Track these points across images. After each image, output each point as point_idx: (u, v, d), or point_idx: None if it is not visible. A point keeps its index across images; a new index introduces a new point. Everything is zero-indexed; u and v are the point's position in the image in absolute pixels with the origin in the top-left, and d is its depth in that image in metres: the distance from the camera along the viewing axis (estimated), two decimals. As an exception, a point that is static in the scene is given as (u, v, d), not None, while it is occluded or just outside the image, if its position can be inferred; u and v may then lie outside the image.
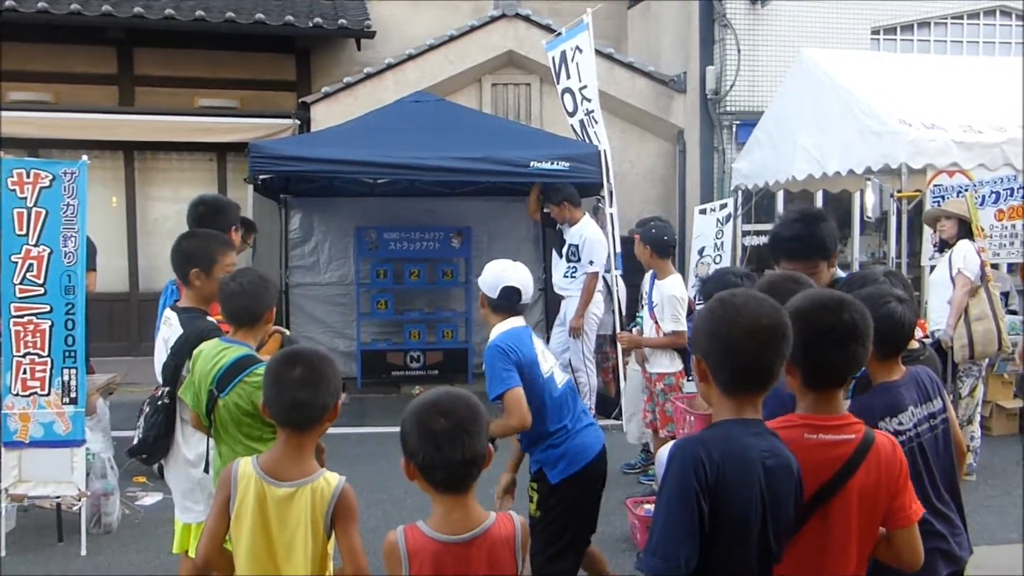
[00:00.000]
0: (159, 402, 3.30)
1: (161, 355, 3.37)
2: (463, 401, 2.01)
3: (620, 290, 7.52)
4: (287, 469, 2.30)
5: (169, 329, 3.36)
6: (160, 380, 3.35)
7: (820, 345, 2.02)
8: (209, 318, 3.36)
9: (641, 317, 5.77)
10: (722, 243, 8.66)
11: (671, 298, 5.32)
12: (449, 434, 1.93)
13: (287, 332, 3.31)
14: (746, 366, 1.87)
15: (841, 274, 3.35)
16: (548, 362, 3.49)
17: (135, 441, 3.36)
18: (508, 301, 3.44)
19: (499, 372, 3.29)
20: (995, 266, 7.48)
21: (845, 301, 2.08)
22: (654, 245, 5.39)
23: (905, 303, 2.55)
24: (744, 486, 1.82)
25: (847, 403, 2.67)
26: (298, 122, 9.68)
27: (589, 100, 7.90)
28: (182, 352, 3.23)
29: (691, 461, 1.80)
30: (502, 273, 3.47)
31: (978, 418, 6.28)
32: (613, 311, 7.45)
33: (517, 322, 3.47)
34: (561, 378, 3.50)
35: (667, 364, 5.38)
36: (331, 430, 2.47)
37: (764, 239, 9.69)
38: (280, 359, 2.33)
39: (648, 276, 5.58)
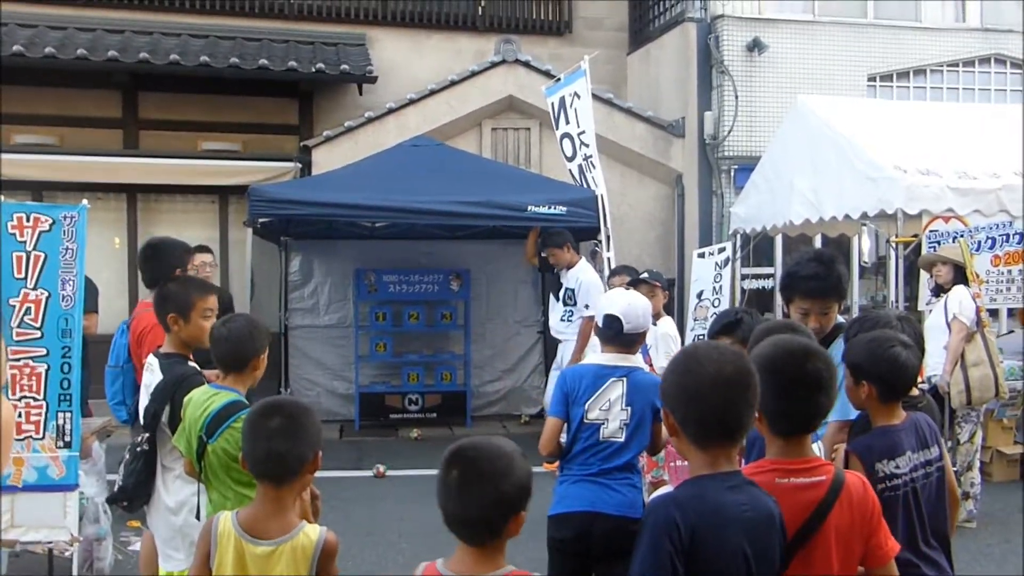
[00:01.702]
0: (138, 448, 3.30)
1: (144, 401, 3.39)
2: (492, 449, 1.87)
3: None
4: (266, 525, 2.27)
5: (151, 375, 3.38)
6: (141, 427, 3.36)
7: (785, 393, 2.05)
8: (190, 363, 3.38)
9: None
10: (721, 287, 8.69)
11: (665, 336, 5.39)
12: (463, 485, 1.81)
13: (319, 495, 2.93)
14: (714, 416, 1.89)
15: (840, 320, 3.38)
16: (606, 413, 3.33)
17: (115, 488, 3.37)
18: (608, 330, 3.42)
19: (554, 397, 3.43)
20: (993, 312, 7.49)
21: (810, 350, 2.11)
22: (665, 288, 5.62)
23: (910, 349, 2.59)
24: (723, 544, 1.83)
25: (842, 445, 2.70)
26: (299, 165, 9.79)
27: (587, 145, 8.00)
28: (161, 397, 3.24)
29: (664, 524, 1.82)
30: (607, 299, 3.51)
31: (977, 464, 6.25)
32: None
33: (603, 358, 3.43)
34: (607, 434, 3.33)
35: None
36: (327, 472, 2.47)
37: (764, 283, 9.73)
38: (258, 409, 2.33)
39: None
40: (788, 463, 2.08)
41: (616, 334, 3.38)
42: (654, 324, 5.52)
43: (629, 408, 3.32)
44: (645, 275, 5.88)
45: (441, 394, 9.41)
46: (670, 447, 4.61)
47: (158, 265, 3.88)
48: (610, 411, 3.33)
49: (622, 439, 3.33)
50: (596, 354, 3.48)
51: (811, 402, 2.06)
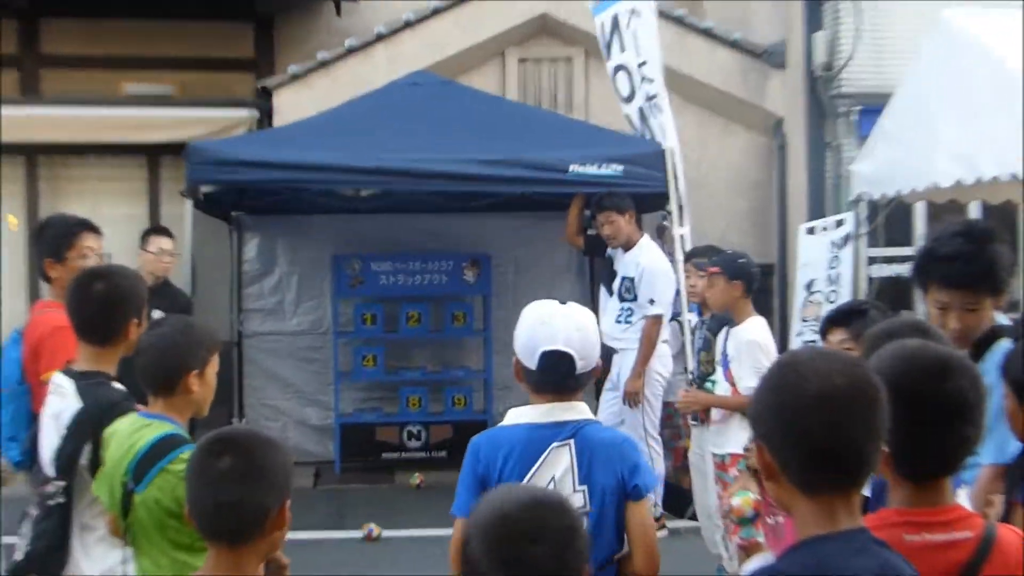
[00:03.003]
0: (49, 501, 3.31)
1: (51, 436, 3.39)
2: (556, 513, 1.89)
3: (696, 339, 7.50)
4: None
5: (62, 401, 3.39)
6: (51, 472, 3.36)
7: (915, 422, 2.04)
8: (116, 385, 3.40)
9: (714, 382, 5.77)
10: (838, 274, 8.61)
11: (751, 344, 5.35)
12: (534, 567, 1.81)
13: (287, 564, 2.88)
14: (823, 448, 1.86)
15: (1004, 320, 3.34)
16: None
17: (19, 555, 3.39)
18: (552, 375, 3.12)
19: (460, 485, 3.13)
20: None
21: (951, 362, 2.10)
22: (748, 280, 5.49)
23: None
24: None
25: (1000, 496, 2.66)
26: (256, 114, 9.84)
27: (651, 81, 7.96)
28: (80, 432, 3.26)
29: None
30: (542, 327, 3.16)
31: None
32: (686, 369, 7.44)
33: (536, 414, 3.14)
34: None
35: (743, 439, 5.35)
36: (299, 534, 2.48)
37: (899, 268, 9.63)
38: (204, 446, 2.35)
39: (725, 327, 5.63)
40: (920, 514, 2.07)
41: (563, 378, 3.10)
42: (733, 326, 5.48)
43: (585, 488, 3.04)
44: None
45: (452, 424, 9.43)
46: (766, 496, 4.58)
47: (37, 250, 3.97)
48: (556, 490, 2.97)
49: None
50: (525, 408, 3.17)
51: (951, 434, 2.05)
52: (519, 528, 1.82)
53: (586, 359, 3.10)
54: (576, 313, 3.19)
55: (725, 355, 5.57)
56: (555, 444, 3.05)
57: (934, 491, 2.09)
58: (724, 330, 5.66)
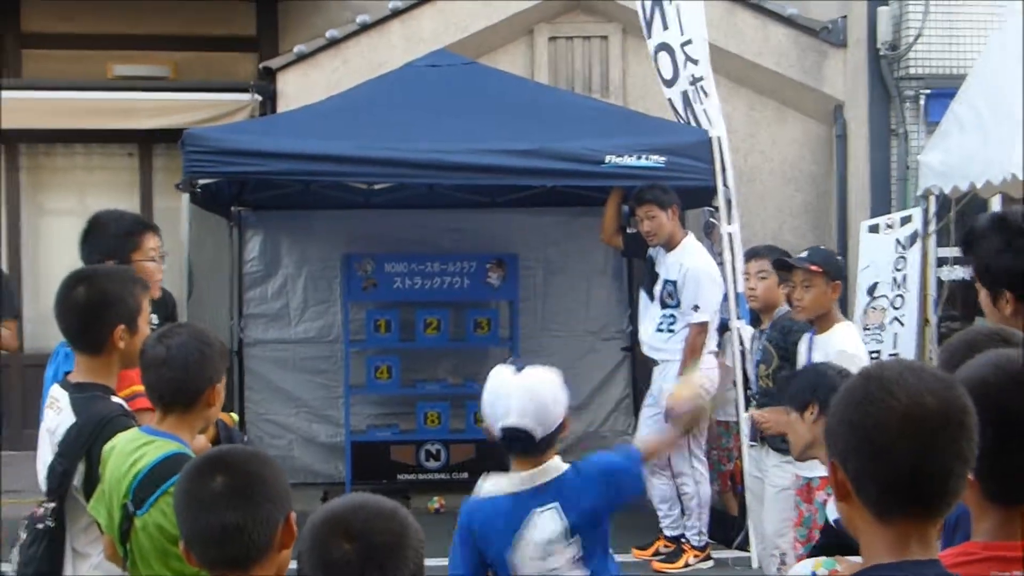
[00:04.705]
0: (39, 525, 3.34)
1: (45, 453, 3.44)
2: (384, 518, 2.07)
3: (746, 350, 7.50)
4: None
5: (57, 415, 3.43)
6: (43, 492, 3.41)
7: (1005, 442, 2.02)
8: (115, 399, 3.44)
9: None
10: (904, 276, 8.59)
11: (841, 356, 5.31)
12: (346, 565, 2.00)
13: (234, 418, 3.33)
14: (904, 473, 1.86)
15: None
16: (556, 559, 3.46)
17: (5, 584, 3.43)
18: (516, 447, 3.51)
19: (452, 555, 3.63)
20: None
21: None
22: (842, 281, 5.50)
23: None
24: None
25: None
26: (259, 98, 9.90)
27: (696, 62, 7.96)
28: (73, 449, 3.29)
29: None
30: (498, 401, 3.51)
31: None
32: (735, 383, 7.44)
33: (512, 483, 3.54)
34: None
35: None
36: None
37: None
38: (192, 470, 2.38)
39: (806, 336, 5.61)
40: (1010, 548, 2.05)
41: (524, 449, 3.48)
42: (818, 334, 5.47)
43: (577, 537, 3.46)
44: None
45: (475, 443, 9.42)
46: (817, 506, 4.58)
47: (88, 249, 3.98)
48: (552, 556, 3.44)
49: None
50: (501, 479, 3.55)
51: None
52: (340, 526, 2.03)
53: (544, 425, 3.43)
54: (530, 380, 3.50)
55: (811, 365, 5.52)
56: (536, 512, 3.44)
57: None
58: (806, 338, 5.59)
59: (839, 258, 5.54)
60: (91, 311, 3.48)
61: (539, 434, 3.41)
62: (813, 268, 5.44)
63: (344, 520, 2.04)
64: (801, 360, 5.62)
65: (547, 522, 3.43)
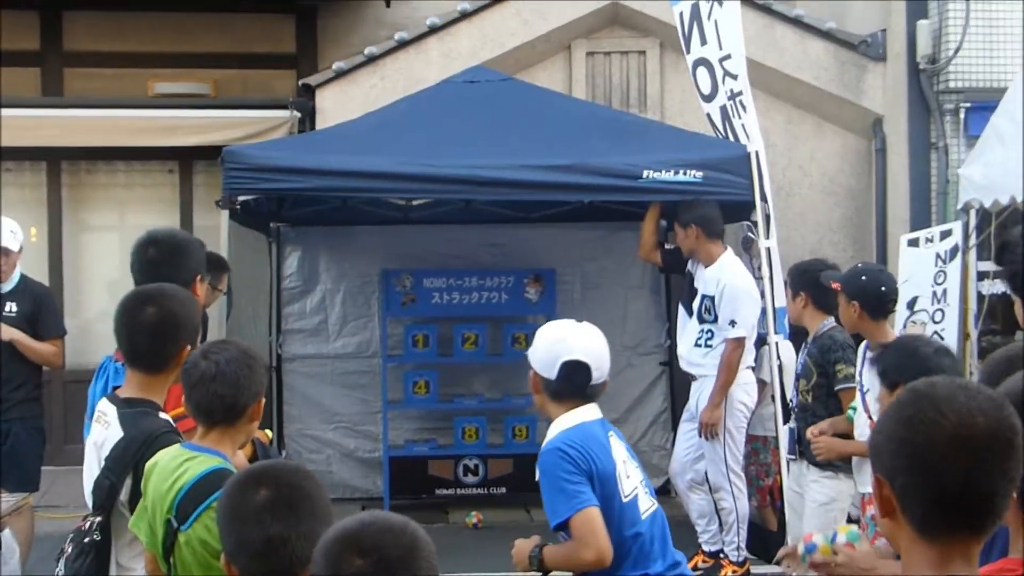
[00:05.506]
0: (87, 539, 3.36)
1: (92, 467, 3.49)
2: (395, 533, 2.09)
3: (784, 364, 7.49)
4: None
5: (105, 430, 3.48)
6: (89, 506, 3.45)
7: None
8: (162, 415, 3.49)
9: (854, 408, 5.75)
10: (945, 291, 8.55)
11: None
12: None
13: (269, 435, 3.37)
14: (951, 492, 1.87)
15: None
16: (632, 479, 3.61)
17: (54, 597, 3.46)
18: (571, 383, 3.64)
19: (563, 486, 3.46)
20: None
21: None
22: (866, 301, 5.43)
23: None
24: None
25: None
26: (298, 115, 9.93)
27: (735, 77, 7.96)
28: (121, 464, 3.34)
29: None
30: (560, 342, 3.72)
31: None
32: (774, 398, 7.43)
33: (588, 413, 3.67)
34: (647, 505, 3.65)
35: None
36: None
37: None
38: (236, 484, 2.43)
39: (861, 350, 5.61)
40: None
41: (581, 387, 3.69)
42: (855, 350, 5.45)
43: (636, 460, 3.82)
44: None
45: (513, 458, 9.45)
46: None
47: (175, 272, 3.96)
48: (629, 479, 3.65)
49: (655, 506, 3.77)
50: (573, 413, 3.71)
51: None
52: (351, 542, 2.05)
53: (600, 370, 3.70)
54: (590, 330, 3.81)
55: (861, 385, 5.50)
56: (611, 432, 3.76)
57: None
58: (861, 352, 5.60)
59: (865, 280, 5.38)
60: (161, 331, 3.52)
61: (595, 376, 3.66)
62: (834, 285, 5.58)
63: (355, 536, 2.07)
64: (858, 375, 5.63)
65: (618, 443, 3.72)
